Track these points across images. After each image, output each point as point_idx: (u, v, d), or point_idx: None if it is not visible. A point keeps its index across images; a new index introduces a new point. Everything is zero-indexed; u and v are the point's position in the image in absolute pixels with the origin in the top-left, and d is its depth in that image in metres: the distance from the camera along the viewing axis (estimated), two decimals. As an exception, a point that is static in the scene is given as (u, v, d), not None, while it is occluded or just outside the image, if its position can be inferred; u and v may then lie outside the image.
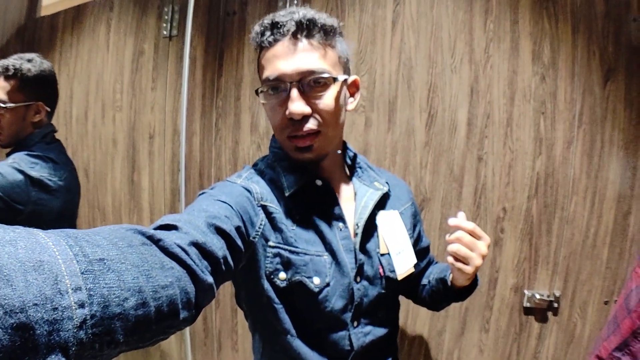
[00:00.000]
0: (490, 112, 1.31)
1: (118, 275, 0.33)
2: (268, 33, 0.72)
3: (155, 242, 0.43)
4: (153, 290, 0.37)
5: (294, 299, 0.75)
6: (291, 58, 0.70)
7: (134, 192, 1.83)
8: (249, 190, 0.73)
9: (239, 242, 0.61)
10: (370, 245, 0.81)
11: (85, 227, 1.85)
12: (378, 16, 1.41)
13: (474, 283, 0.86)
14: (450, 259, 0.75)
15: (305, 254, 0.74)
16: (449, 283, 0.86)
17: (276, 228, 0.74)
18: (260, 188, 0.75)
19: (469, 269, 0.74)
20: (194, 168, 1.68)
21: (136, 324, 0.34)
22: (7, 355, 0.23)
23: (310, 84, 0.71)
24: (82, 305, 0.28)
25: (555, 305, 1.28)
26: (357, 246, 0.78)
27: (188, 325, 0.45)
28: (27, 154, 1.20)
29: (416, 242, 0.95)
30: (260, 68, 0.76)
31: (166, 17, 1.70)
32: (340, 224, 0.78)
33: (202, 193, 0.70)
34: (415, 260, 0.87)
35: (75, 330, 0.27)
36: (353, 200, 0.84)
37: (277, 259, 0.73)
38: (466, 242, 0.73)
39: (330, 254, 0.76)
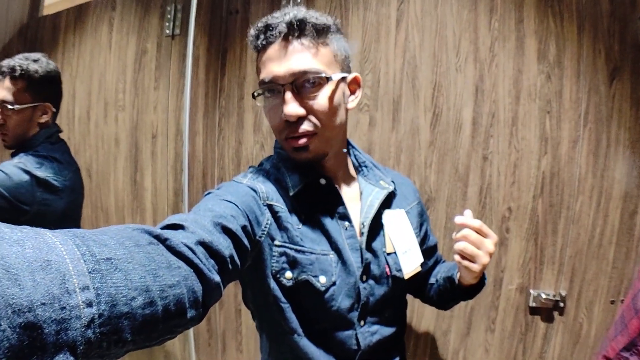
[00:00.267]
0: (496, 111, 1.32)
1: (125, 274, 0.34)
2: (262, 36, 0.73)
3: (162, 241, 0.43)
4: (160, 289, 0.37)
5: (300, 298, 0.76)
6: (284, 60, 0.71)
7: (136, 193, 1.84)
8: (254, 190, 0.74)
9: (245, 241, 0.62)
10: (376, 245, 0.82)
11: (88, 228, 1.86)
12: (382, 14, 1.42)
13: (481, 281, 0.87)
14: (457, 257, 0.76)
15: (311, 253, 0.75)
16: (457, 281, 0.87)
17: (282, 227, 0.75)
18: (266, 187, 0.76)
19: (476, 267, 0.75)
20: (197, 168, 1.70)
21: (143, 323, 0.34)
22: (15, 354, 0.23)
23: (304, 85, 0.71)
24: (89, 305, 0.29)
25: (561, 305, 1.29)
26: (363, 245, 0.79)
27: (195, 325, 0.46)
28: (33, 154, 1.22)
29: (423, 241, 0.96)
30: (257, 71, 0.78)
31: (169, 16, 1.71)
32: (346, 223, 0.79)
33: (208, 193, 0.72)
34: (421, 259, 0.88)
35: (83, 329, 0.28)
36: (359, 199, 0.85)
37: (283, 258, 0.74)
38: (473, 240, 0.74)
39: (336, 252, 0.77)
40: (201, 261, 0.47)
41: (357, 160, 0.91)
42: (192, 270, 0.45)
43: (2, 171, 1.11)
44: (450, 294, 0.92)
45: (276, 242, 0.74)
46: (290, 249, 0.74)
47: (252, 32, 0.76)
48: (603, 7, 1.21)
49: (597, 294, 1.27)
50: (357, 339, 0.78)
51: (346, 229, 0.79)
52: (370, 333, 0.80)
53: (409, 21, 1.39)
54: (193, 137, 1.68)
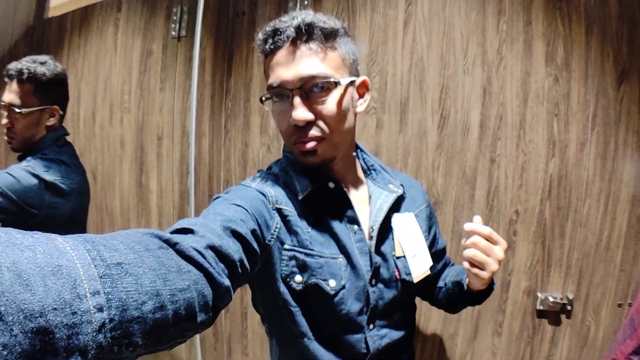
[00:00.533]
0: (503, 113, 1.33)
1: (136, 279, 0.34)
2: (270, 40, 0.73)
3: (172, 245, 0.44)
4: (170, 293, 0.38)
5: (309, 301, 0.76)
6: (292, 64, 0.71)
7: (142, 195, 1.86)
8: (263, 194, 0.74)
9: (255, 245, 0.63)
10: (385, 248, 0.83)
11: (93, 231, 1.88)
12: (390, 16, 1.43)
13: (490, 287, 0.87)
14: (466, 264, 0.77)
15: (321, 256, 0.76)
16: (465, 287, 0.87)
17: (291, 231, 0.75)
18: (275, 191, 0.77)
19: (485, 274, 0.75)
20: (204, 170, 1.71)
21: (154, 327, 0.35)
22: (27, 358, 0.24)
23: (312, 89, 0.72)
24: (100, 309, 0.29)
25: (569, 308, 1.30)
26: (373, 249, 0.80)
27: (206, 329, 0.47)
28: (41, 158, 1.23)
29: (432, 244, 0.97)
30: (266, 75, 0.78)
31: (175, 18, 1.72)
32: (355, 227, 0.80)
33: (217, 197, 0.72)
34: (431, 263, 0.88)
35: (94, 333, 0.28)
36: (367, 202, 0.86)
37: (293, 262, 0.75)
38: (482, 247, 0.74)
39: (345, 256, 0.78)
40: (211, 265, 0.48)
41: (365, 163, 0.92)
42: (202, 275, 0.46)
43: (11, 175, 1.12)
44: (458, 298, 0.92)
45: (286, 246, 0.74)
46: (300, 252, 0.75)
47: (260, 36, 0.76)
48: (612, 10, 1.22)
49: (604, 297, 1.28)
50: (366, 342, 0.79)
51: (355, 232, 0.80)
52: (379, 336, 0.81)
53: (416, 23, 1.40)
54: (199, 139, 1.69)
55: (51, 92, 1.28)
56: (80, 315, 0.28)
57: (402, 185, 0.90)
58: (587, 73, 1.26)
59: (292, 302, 0.76)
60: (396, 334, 0.84)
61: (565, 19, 1.26)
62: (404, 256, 0.85)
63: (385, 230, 0.83)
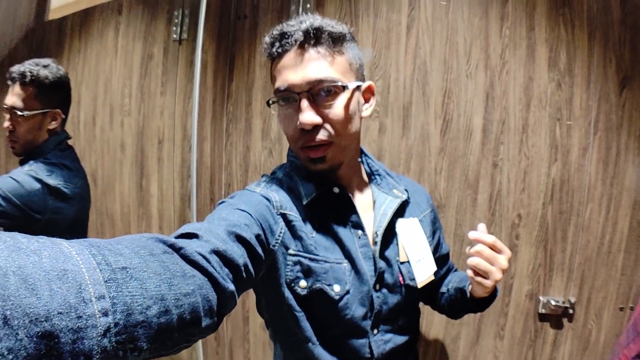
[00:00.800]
0: (506, 118, 1.35)
1: (141, 283, 0.34)
2: (277, 44, 0.74)
3: (177, 250, 0.44)
4: (175, 298, 0.38)
5: (314, 306, 0.77)
6: (300, 68, 0.72)
7: (142, 199, 1.86)
8: (268, 199, 0.75)
9: (259, 250, 0.63)
10: (389, 254, 0.83)
11: (93, 235, 1.87)
12: (393, 21, 1.44)
13: (493, 294, 0.88)
14: (469, 273, 0.77)
15: (325, 261, 0.76)
16: (468, 294, 0.88)
17: (296, 236, 0.76)
18: (279, 196, 0.77)
19: (488, 283, 0.76)
20: (205, 174, 1.71)
21: (159, 331, 0.35)
22: None
23: (320, 93, 0.72)
24: (105, 314, 0.30)
25: (571, 311, 1.32)
26: (377, 254, 0.80)
27: (210, 333, 0.48)
28: (43, 162, 1.23)
29: (436, 249, 0.97)
30: (272, 79, 0.79)
31: (176, 21, 1.72)
32: (359, 232, 0.81)
33: (222, 202, 0.73)
34: (435, 268, 0.89)
35: (99, 338, 0.29)
36: (372, 208, 0.86)
37: (298, 267, 0.75)
38: (486, 256, 0.74)
39: (349, 261, 0.78)
40: (215, 270, 0.48)
41: (370, 168, 0.92)
42: (206, 279, 0.46)
43: (14, 179, 1.12)
44: (461, 305, 0.93)
45: (290, 251, 0.75)
46: (305, 257, 0.75)
47: (266, 39, 0.76)
48: (614, 16, 1.24)
49: (606, 300, 1.30)
50: (370, 347, 0.80)
51: (359, 237, 0.80)
52: (383, 341, 0.82)
53: (419, 27, 1.41)
54: (201, 142, 1.69)
55: (53, 95, 1.28)
56: (85, 319, 0.28)
57: (406, 190, 0.90)
58: (590, 79, 1.27)
59: (297, 307, 0.77)
60: (400, 339, 0.84)
61: (568, 25, 1.28)
62: (408, 261, 0.85)
63: (389, 235, 0.84)
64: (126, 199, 1.89)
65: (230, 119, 1.69)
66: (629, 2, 1.22)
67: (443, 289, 1.00)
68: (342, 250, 0.78)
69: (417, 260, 0.86)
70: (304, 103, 0.71)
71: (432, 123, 1.42)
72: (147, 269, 0.36)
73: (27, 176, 1.15)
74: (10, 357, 0.23)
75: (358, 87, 0.78)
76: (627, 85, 1.24)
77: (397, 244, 0.85)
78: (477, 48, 1.36)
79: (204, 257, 0.47)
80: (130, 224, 1.89)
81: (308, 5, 1.53)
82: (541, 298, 1.34)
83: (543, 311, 1.33)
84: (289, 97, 0.74)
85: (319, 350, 0.78)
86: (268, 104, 0.78)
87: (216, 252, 0.51)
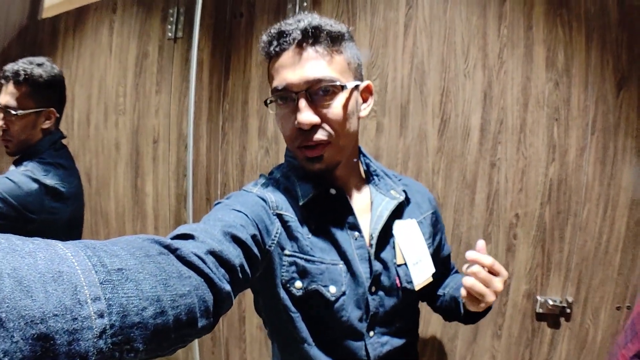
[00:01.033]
0: (504, 118, 1.35)
1: (136, 284, 0.35)
2: (275, 42, 0.73)
3: (173, 251, 0.45)
4: (171, 299, 0.38)
5: (310, 307, 0.77)
6: (298, 67, 0.72)
7: (137, 198, 1.85)
8: (264, 199, 0.75)
9: (256, 251, 0.63)
10: (386, 256, 0.83)
11: (87, 235, 1.87)
12: (390, 19, 1.44)
13: (486, 309, 0.86)
14: (463, 292, 0.75)
15: (321, 262, 0.76)
16: (462, 308, 0.88)
17: (292, 237, 0.76)
18: (276, 197, 0.77)
19: (481, 306, 0.75)
20: (201, 173, 1.71)
21: (155, 332, 0.35)
22: None
23: (318, 92, 0.72)
24: (101, 315, 0.30)
25: (568, 311, 1.33)
26: (372, 256, 0.80)
27: (206, 334, 0.48)
28: (39, 162, 1.22)
29: (437, 251, 0.96)
30: (269, 78, 0.78)
31: (171, 19, 1.72)
32: (356, 233, 0.80)
33: (218, 203, 0.73)
34: (433, 270, 0.88)
35: (95, 339, 0.29)
36: (369, 209, 0.86)
37: (293, 268, 0.75)
38: (482, 278, 0.71)
39: (345, 263, 0.78)
40: (212, 271, 0.48)
41: (368, 168, 0.91)
42: (202, 280, 0.46)
43: (11, 180, 1.11)
44: (454, 314, 0.93)
45: (286, 252, 0.75)
46: (300, 258, 0.75)
47: (264, 38, 0.76)
48: (612, 17, 1.25)
49: (603, 300, 1.31)
50: (366, 349, 0.80)
51: (356, 239, 0.80)
52: (380, 344, 0.81)
53: (417, 26, 1.42)
54: (196, 141, 1.69)
55: (48, 94, 1.27)
56: (81, 321, 0.28)
57: (404, 191, 0.89)
58: (587, 79, 1.28)
59: (292, 308, 0.77)
60: (398, 342, 0.84)
61: (565, 26, 1.29)
62: (405, 264, 0.84)
63: (385, 237, 0.83)
64: (121, 198, 1.89)
65: (226, 118, 1.68)
66: (626, 4, 1.23)
67: (440, 291, 1.00)
68: (338, 251, 0.78)
69: (415, 262, 0.85)
70: (302, 103, 0.71)
71: (429, 122, 1.42)
72: (143, 270, 0.36)
73: (24, 176, 1.15)
74: (6, 359, 0.23)
75: (356, 87, 0.78)
76: (624, 86, 1.25)
77: (394, 246, 0.84)
78: (474, 47, 1.37)
79: (200, 257, 0.47)
80: (125, 223, 1.88)
81: (305, 4, 1.53)
82: (539, 297, 1.35)
83: (540, 311, 1.35)
84: (286, 97, 0.74)
85: (314, 351, 0.78)
86: (265, 104, 0.78)
87: (212, 253, 0.51)
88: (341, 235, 0.79)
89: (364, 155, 0.92)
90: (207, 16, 1.66)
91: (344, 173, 0.84)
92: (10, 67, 1.22)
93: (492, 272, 0.72)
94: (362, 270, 0.78)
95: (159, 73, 1.78)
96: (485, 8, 1.35)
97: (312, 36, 0.71)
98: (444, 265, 1.01)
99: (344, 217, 0.80)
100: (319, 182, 0.80)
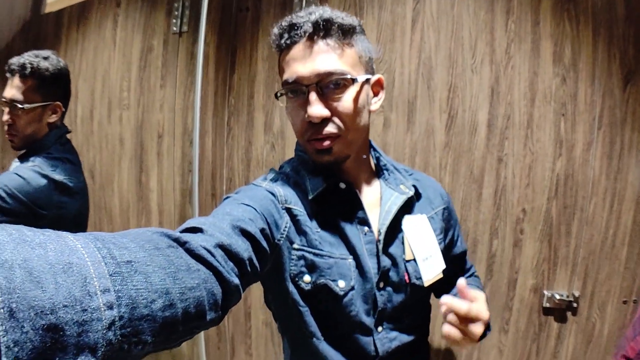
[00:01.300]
0: (511, 113, 1.37)
1: (145, 277, 0.35)
2: (286, 35, 0.74)
3: (182, 244, 0.45)
4: (180, 292, 0.39)
5: (318, 302, 0.78)
6: (309, 60, 0.72)
7: (141, 194, 1.86)
8: (273, 193, 0.76)
9: (264, 244, 0.64)
10: (395, 251, 0.83)
11: (91, 230, 1.87)
12: (397, 14, 1.46)
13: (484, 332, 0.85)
14: (443, 331, 0.73)
15: (330, 257, 0.77)
16: None
17: (300, 231, 0.77)
18: (285, 191, 0.78)
19: (461, 349, 0.74)
20: (207, 169, 1.72)
21: (163, 325, 0.36)
22: (38, 355, 0.24)
23: (328, 86, 0.72)
24: (110, 307, 0.30)
25: (575, 305, 1.35)
26: (381, 252, 0.80)
27: (214, 326, 0.49)
28: (46, 157, 1.22)
29: (450, 248, 0.96)
30: (280, 71, 0.79)
31: (176, 13, 1.73)
32: (365, 228, 0.81)
33: (227, 197, 0.74)
34: (443, 266, 0.87)
35: (104, 331, 0.29)
36: (379, 204, 0.86)
37: (302, 262, 0.76)
38: (459, 326, 0.69)
39: (354, 257, 0.79)
40: (220, 264, 0.49)
41: (378, 163, 0.91)
42: (211, 273, 0.47)
43: (20, 176, 1.11)
44: None
45: (295, 246, 0.76)
46: (309, 252, 0.76)
47: (275, 30, 0.77)
48: (618, 12, 1.27)
49: (609, 294, 1.34)
50: (375, 345, 0.80)
51: (365, 234, 0.80)
52: (388, 339, 0.82)
53: (424, 21, 1.43)
54: (202, 136, 1.70)
55: (54, 87, 1.28)
56: (90, 312, 0.28)
57: (414, 186, 0.89)
58: (594, 74, 1.30)
59: (301, 302, 0.77)
60: (407, 338, 0.84)
61: (572, 20, 1.31)
62: (414, 260, 0.84)
63: (394, 232, 0.83)
64: (125, 194, 1.89)
65: (231, 112, 1.70)
66: (634, -2, 1.25)
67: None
68: (347, 246, 0.78)
69: (424, 258, 0.85)
70: (313, 96, 0.72)
71: (437, 118, 1.44)
72: (152, 263, 0.37)
73: (32, 172, 1.15)
74: (16, 349, 0.23)
75: (367, 80, 0.78)
76: (631, 80, 1.27)
77: (403, 241, 0.84)
78: (482, 42, 1.39)
79: (209, 251, 0.48)
80: (130, 219, 1.89)
81: (311, -2, 1.55)
82: (545, 292, 1.37)
83: (547, 305, 1.37)
84: (297, 90, 0.74)
85: (323, 345, 0.78)
86: (276, 96, 0.78)
87: (221, 246, 0.52)
88: (350, 230, 0.79)
89: (375, 150, 0.92)
90: (213, 10, 1.67)
91: (354, 167, 0.84)
92: (16, 61, 1.22)
93: (470, 318, 0.69)
94: (371, 265, 0.78)
95: (163, 67, 1.78)
96: (493, 3, 1.37)
97: (323, 29, 0.72)
98: (457, 264, 1.00)
99: (354, 211, 0.81)
100: (329, 176, 0.80)
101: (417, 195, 0.90)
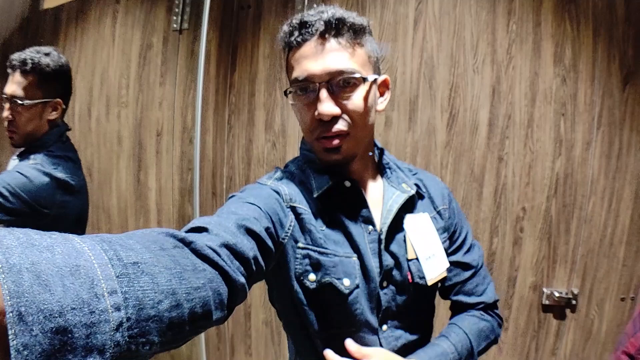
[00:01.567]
0: (512, 112, 1.40)
1: (152, 278, 0.35)
2: (296, 33, 0.74)
3: (187, 244, 0.46)
4: (186, 292, 0.39)
5: (324, 300, 0.78)
6: (320, 58, 0.73)
7: (140, 193, 1.86)
8: (277, 192, 0.76)
9: (269, 243, 0.65)
10: (397, 251, 0.83)
11: (89, 230, 1.87)
12: (400, 14, 1.48)
13: None
14: None
15: (335, 255, 0.77)
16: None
17: (305, 229, 0.77)
18: (289, 189, 0.78)
19: None
20: (207, 167, 1.72)
21: (170, 325, 0.36)
22: (47, 358, 0.25)
23: (339, 84, 0.73)
24: (118, 308, 0.31)
25: (573, 302, 1.39)
26: (383, 251, 0.81)
27: (220, 324, 0.50)
28: (47, 155, 1.22)
29: (456, 249, 0.94)
30: (289, 68, 0.80)
31: (177, 10, 1.73)
32: (370, 227, 0.81)
33: (232, 196, 0.74)
34: (447, 265, 0.87)
35: (111, 332, 0.30)
36: (381, 202, 0.86)
37: (307, 260, 0.76)
38: None
39: (358, 256, 0.79)
40: (226, 263, 0.49)
41: (381, 161, 0.92)
42: (217, 273, 0.47)
43: (22, 174, 1.11)
44: None
45: (299, 244, 0.76)
46: (314, 251, 0.76)
47: (285, 28, 0.77)
48: (618, 13, 1.30)
49: (607, 291, 1.37)
50: (380, 343, 0.81)
51: (369, 232, 0.80)
52: (394, 338, 0.82)
53: (426, 21, 1.46)
54: (203, 134, 1.71)
55: (55, 84, 1.27)
56: (98, 314, 0.29)
57: (416, 184, 0.89)
58: (594, 74, 1.33)
59: (306, 301, 0.78)
60: (413, 336, 0.85)
61: (573, 21, 1.34)
62: (417, 259, 0.84)
63: (395, 231, 0.83)
64: (123, 192, 1.89)
65: (232, 110, 1.70)
66: (633, 0, 1.28)
67: (456, 297, 0.93)
68: (352, 244, 0.79)
69: (427, 257, 0.85)
70: (323, 93, 0.72)
71: (438, 117, 1.47)
72: (158, 264, 0.37)
73: (35, 170, 1.14)
74: (26, 352, 0.24)
75: (375, 81, 0.79)
76: (630, 81, 1.31)
77: (405, 240, 0.84)
78: (484, 42, 1.41)
79: (214, 250, 0.49)
80: (128, 218, 1.89)
81: (313, -3, 1.56)
82: (545, 289, 1.40)
83: (547, 302, 1.40)
84: (306, 87, 0.74)
85: (328, 343, 0.78)
86: (285, 94, 0.79)
87: (226, 246, 0.52)
88: (355, 229, 0.80)
89: (378, 148, 0.93)
90: (214, 7, 1.67)
91: (359, 166, 0.85)
92: (17, 56, 1.22)
93: None
94: (374, 264, 0.79)
95: (163, 65, 1.79)
96: (494, 4, 1.40)
97: (334, 28, 0.72)
98: (464, 268, 0.94)
99: (358, 210, 0.81)
100: (334, 175, 0.81)
101: (419, 194, 0.90)
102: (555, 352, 1.42)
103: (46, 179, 1.15)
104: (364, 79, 0.75)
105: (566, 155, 1.38)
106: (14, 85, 1.22)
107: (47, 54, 1.25)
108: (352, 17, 0.75)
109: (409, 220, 0.86)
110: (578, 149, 1.37)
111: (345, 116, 0.75)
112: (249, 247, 0.57)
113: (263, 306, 1.69)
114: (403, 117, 1.49)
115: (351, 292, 0.77)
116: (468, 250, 0.93)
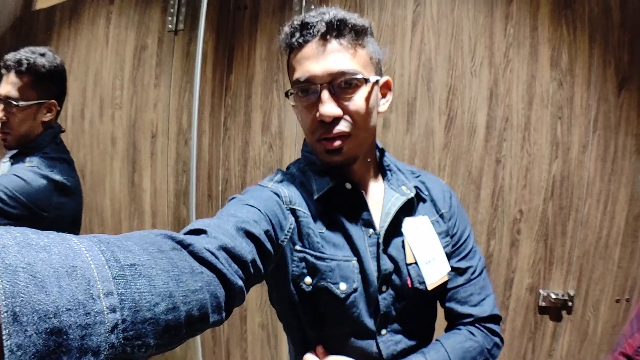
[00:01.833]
0: (509, 115, 1.42)
1: (149, 280, 0.35)
2: (298, 34, 0.74)
3: (185, 247, 0.46)
4: (183, 294, 0.39)
5: (319, 303, 0.78)
6: (321, 59, 0.73)
7: (134, 195, 1.85)
8: (277, 194, 0.77)
9: (268, 246, 0.65)
10: (396, 255, 0.82)
11: (82, 232, 1.85)
12: (398, 16, 1.49)
13: None
14: None
15: (332, 259, 0.77)
16: None
17: (304, 232, 0.77)
18: (290, 191, 0.79)
19: None
20: (203, 169, 1.72)
21: (166, 328, 0.36)
22: (41, 358, 0.25)
23: (341, 85, 0.73)
24: (113, 310, 0.30)
25: (570, 304, 1.41)
26: (381, 254, 0.80)
27: (217, 326, 0.50)
28: (42, 157, 1.21)
29: (453, 254, 0.91)
30: (290, 70, 0.80)
31: (172, 11, 1.72)
32: (370, 230, 0.81)
33: (233, 198, 0.75)
34: (448, 269, 0.86)
35: (107, 334, 0.30)
36: (381, 205, 0.86)
37: (303, 264, 0.77)
38: None
39: (357, 260, 0.79)
40: (224, 266, 0.50)
41: (382, 163, 0.92)
42: (215, 276, 0.47)
43: (19, 177, 1.10)
44: None
45: (297, 247, 0.76)
46: (311, 255, 0.76)
47: (286, 29, 0.77)
48: (614, 18, 1.33)
49: (603, 293, 1.40)
50: (378, 347, 0.80)
51: (370, 236, 0.80)
52: (393, 342, 0.82)
53: (425, 24, 1.47)
54: (199, 136, 1.70)
55: (50, 85, 1.26)
56: (93, 316, 0.29)
57: (417, 187, 0.89)
58: (590, 79, 1.36)
59: (303, 303, 0.78)
60: (413, 341, 0.84)
61: (570, 26, 1.37)
62: (416, 263, 0.83)
63: (393, 234, 0.83)
64: (117, 194, 1.88)
65: (228, 112, 1.70)
66: (629, 6, 1.32)
67: (451, 306, 0.89)
68: (352, 247, 0.79)
69: (427, 261, 0.84)
70: (325, 94, 0.72)
71: (436, 119, 1.48)
72: (156, 266, 0.37)
73: (31, 173, 1.13)
74: (20, 353, 0.24)
75: (377, 82, 0.80)
76: (625, 86, 1.34)
77: (404, 244, 0.83)
78: (481, 46, 1.43)
79: (213, 253, 0.49)
80: (122, 220, 1.87)
81: (312, -1, 1.57)
82: (541, 291, 1.43)
83: (543, 304, 1.42)
84: (308, 88, 0.74)
85: (325, 346, 0.80)
86: (286, 95, 0.80)
87: (224, 249, 0.52)
88: (355, 232, 0.80)
89: (379, 150, 0.93)
90: (211, 8, 1.67)
91: (361, 168, 0.85)
92: (12, 56, 1.20)
93: None
94: (373, 268, 0.79)
95: (158, 66, 1.78)
96: (492, 7, 1.42)
97: (336, 29, 0.72)
98: (458, 272, 0.89)
99: (359, 212, 0.81)
100: (335, 177, 0.81)
101: (420, 197, 0.90)
102: (552, 353, 1.44)
103: (44, 182, 1.14)
104: (366, 80, 0.75)
105: (562, 158, 1.40)
106: (9, 86, 1.20)
107: (42, 55, 1.24)
108: (354, 18, 0.76)
109: (408, 223, 0.85)
110: (574, 152, 1.39)
111: (346, 117, 0.75)
112: (248, 250, 0.57)
113: (259, 309, 1.69)
114: (401, 119, 1.51)
115: (348, 296, 0.77)
116: (466, 256, 0.90)
